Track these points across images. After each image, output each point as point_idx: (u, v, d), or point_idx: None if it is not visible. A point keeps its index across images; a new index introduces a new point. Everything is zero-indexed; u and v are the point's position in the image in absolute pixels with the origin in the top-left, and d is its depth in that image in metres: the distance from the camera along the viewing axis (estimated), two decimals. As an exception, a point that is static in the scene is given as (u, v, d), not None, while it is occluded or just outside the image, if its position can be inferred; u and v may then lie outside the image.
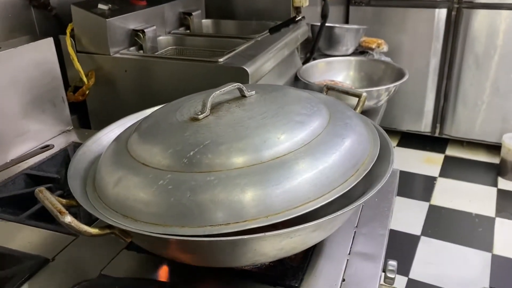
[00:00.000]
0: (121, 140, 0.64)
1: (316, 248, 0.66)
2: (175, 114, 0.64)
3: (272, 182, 0.52)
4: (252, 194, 0.51)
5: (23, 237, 0.70)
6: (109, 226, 0.53)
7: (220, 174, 0.52)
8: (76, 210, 0.73)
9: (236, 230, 0.49)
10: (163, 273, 0.63)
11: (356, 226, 0.71)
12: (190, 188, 0.51)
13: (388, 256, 0.70)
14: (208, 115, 0.61)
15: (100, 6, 1.14)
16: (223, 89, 0.63)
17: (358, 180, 0.56)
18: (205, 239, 0.49)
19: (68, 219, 0.49)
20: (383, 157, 0.63)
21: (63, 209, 0.50)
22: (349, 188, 0.54)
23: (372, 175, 0.60)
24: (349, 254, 0.65)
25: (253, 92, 0.67)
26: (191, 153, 0.54)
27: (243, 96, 0.67)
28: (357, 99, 0.77)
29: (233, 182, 0.51)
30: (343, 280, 0.61)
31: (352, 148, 0.58)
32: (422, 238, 1.93)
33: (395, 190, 0.81)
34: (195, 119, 0.61)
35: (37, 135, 0.99)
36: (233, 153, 0.54)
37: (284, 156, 0.54)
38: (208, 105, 0.61)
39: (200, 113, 0.61)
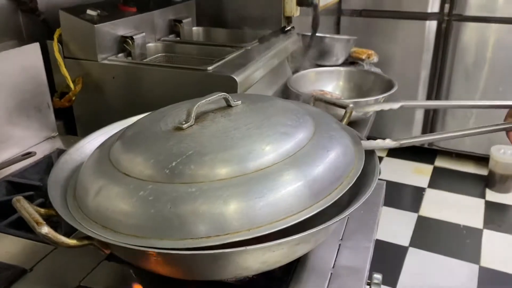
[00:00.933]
0: (104, 149, 0.63)
1: (300, 261, 0.65)
2: (159, 123, 0.63)
3: (255, 194, 0.51)
4: (234, 206, 0.50)
5: (1, 246, 0.68)
6: (88, 237, 0.52)
7: (202, 186, 0.51)
8: (57, 219, 0.71)
9: (217, 243, 0.48)
10: (144, 284, 0.62)
11: (341, 239, 0.70)
12: (171, 200, 0.50)
13: (376, 266, 0.69)
14: (192, 125, 0.60)
15: (89, 11, 1.13)
16: (208, 98, 0.63)
17: (341, 194, 0.55)
18: (185, 252, 0.48)
19: (45, 230, 0.48)
20: (369, 170, 0.62)
21: (40, 220, 0.49)
22: (332, 202, 0.54)
23: (359, 187, 0.60)
24: (333, 267, 0.64)
25: (239, 102, 0.66)
26: (174, 164, 0.53)
27: (229, 106, 0.66)
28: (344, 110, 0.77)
29: (215, 194, 0.50)
30: (327, 294, 0.60)
31: (336, 160, 0.58)
32: (410, 249, 1.93)
33: (381, 202, 0.81)
34: (179, 129, 0.60)
35: (21, 141, 0.98)
36: (216, 164, 0.53)
37: (269, 167, 0.54)
38: (193, 114, 0.61)
39: (184, 122, 0.60)
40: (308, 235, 0.50)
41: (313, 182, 0.54)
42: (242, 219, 0.50)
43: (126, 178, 0.55)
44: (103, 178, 0.56)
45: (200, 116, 0.63)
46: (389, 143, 0.63)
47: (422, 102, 0.65)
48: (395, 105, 0.67)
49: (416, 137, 0.63)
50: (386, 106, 0.67)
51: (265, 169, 0.53)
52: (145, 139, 0.60)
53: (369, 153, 0.65)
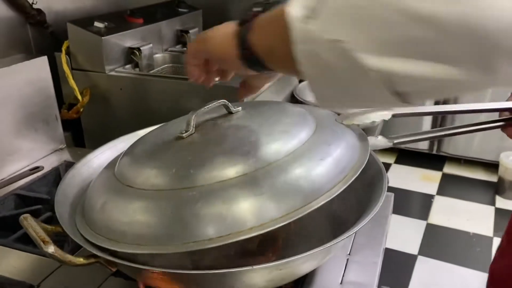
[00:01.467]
0: (110, 167, 0.64)
1: (308, 276, 0.64)
2: (162, 135, 0.64)
3: (255, 192, 0.50)
4: (235, 206, 0.49)
5: (8, 262, 0.68)
6: (95, 255, 0.52)
7: (201, 189, 0.51)
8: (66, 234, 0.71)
9: (219, 244, 0.47)
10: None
11: (349, 253, 0.70)
12: (172, 205, 0.50)
13: (384, 276, 0.68)
14: (192, 133, 0.61)
15: (96, 24, 1.14)
16: (207, 106, 0.63)
17: (345, 186, 0.53)
18: (192, 272, 0.48)
19: (52, 249, 0.48)
20: (377, 184, 0.62)
21: (47, 238, 0.49)
22: (336, 194, 0.52)
23: (366, 201, 0.59)
24: (341, 283, 0.64)
25: (239, 108, 0.66)
26: (173, 170, 0.53)
27: (230, 112, 0.66)
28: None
29: (215, 195, 0.50)
30: (335, 310, 0.60)
31: (339, 154, 0.57)
32: (419, 257, 1.91)
33: (389, 215, 0.80)
34: (179, 138, 0.60)
35: (29, 154, 0.98)
36: (215, 166, 0.53)
37: (268, 165, 0.52)
38: (192, 123, 0.61)
39: (184, 131, 0.60)
40: (315, 253, 0.49)
41: (315, 176, 0.53)
42: (244, 218, 0.49)
43: (129, 189, 0.55)
44: (107, 193, 0.57)
45: (201, 125, 0.63)
46: (381, 140, 0.62)
47: (414, 109, 0.63)
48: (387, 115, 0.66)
49: (407, 136, 0.62)
50: (378, 117, 0.66)
51: (265, 167, 0.52)
52: (147, 151, 0.61)
53: (377, 167, 0.65)
